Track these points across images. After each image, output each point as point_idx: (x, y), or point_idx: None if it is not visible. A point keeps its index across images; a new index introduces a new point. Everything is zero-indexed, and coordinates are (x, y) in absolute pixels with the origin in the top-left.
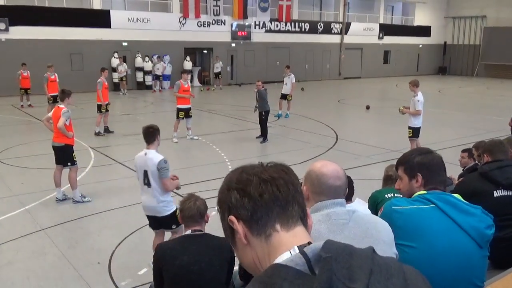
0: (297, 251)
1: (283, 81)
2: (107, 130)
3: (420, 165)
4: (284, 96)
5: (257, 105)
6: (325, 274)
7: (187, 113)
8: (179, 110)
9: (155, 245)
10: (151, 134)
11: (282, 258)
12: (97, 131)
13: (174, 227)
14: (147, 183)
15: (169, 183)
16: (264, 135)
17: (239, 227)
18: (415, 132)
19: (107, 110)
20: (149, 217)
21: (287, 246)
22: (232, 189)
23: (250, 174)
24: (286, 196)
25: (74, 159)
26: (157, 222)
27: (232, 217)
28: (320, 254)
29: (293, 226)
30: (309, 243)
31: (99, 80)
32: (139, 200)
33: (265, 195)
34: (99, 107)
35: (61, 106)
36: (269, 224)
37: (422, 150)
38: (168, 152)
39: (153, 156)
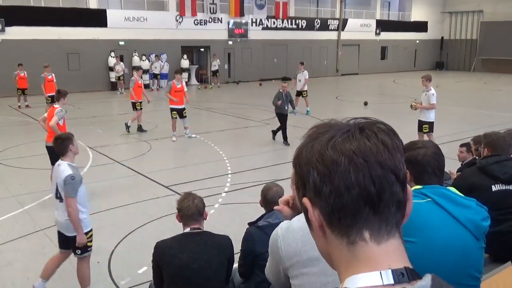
0: (391, 279)
1: (296, 78)
2: (140, 129)
3: (406, 160)
4: (299, 93)
5: (286, 107)
6: None
7: (180, 113)
8: (171, 110)
9: (47, 267)
10: (61, 146)
11: (369, 280)
12: (139, 125)
13: (78, 253)
14: (59, 196)
15: (73, 205)
16: (284, 130)
17: (314, 215)
18: (431, 127)
19: (140, 108)
20: (59, 233)
21: (377, 264)
22: (312, 167)
23: (339, 152)
24: (382, 192)
25: None
26: (65, 241)
27: (306, 200)
28: None
29: (386, 236)
30: (405, 268)
31: (132, 78)
32: (138, 199)
33: (354, 190)
34: (134, 104)
35: (56, 106)
36: (354, 228)
37: (412, 146)
38: (166, 150)
39: (64, 168)
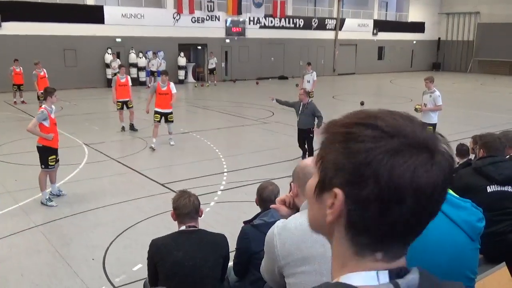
0: (387, 279)
1: (302, 78)
2: (132, 128)
3: None
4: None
5: (299, 120)
6: None
7: (165, 117)
8: (155, 112)
9: None
10: None
11: (365, 279)
12: (121, 126)
13: None
14: None
15: None
16: (310, 154)
17: (336, 207)
18: (435, 128)
19: (126, 108)
20: None
21: (376, 268)
22: (371, 165)
23: (426, 183)
24: (420, 226)
25: (49, 163)
26: None
27: (339, 192)
28: None
29: (396, 257)
30: (401, 268)
31: (113, 77)
32: (133, 197)
33: (406, 222)
34: (118, 104)
35: (44, 106)
36: (370, 247)
37: None
38: (162, 148)
39: None
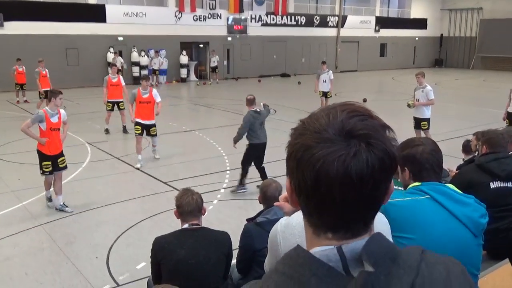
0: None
1: (318, 79)
2: (124, 130)
3: (405, 158)
4: (325, 94)
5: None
6: (361, 279)
7: (147, 131)
8: (135, 124)
9: None
10: None
11: (320, 248)
12: (105, 128)
13: None
14: None
15: None
16: (241, 178)
17: (288, 192)
18: (429, 123)
19: (117, 109)
20: None
21: (331, 243)
22: (294, 159)
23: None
24: (357, 198)
25: (44, 169)
26: None
27: (287, 180)
28: (360, 254)
29: (353, 237)
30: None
31: (105, 76)
32: (137, 195)
33: (344, 204)
34: (107, 104)
35: (45, 108)
36: (321, 228)
37: (410, 143)
38: (164, 146)
39: None
